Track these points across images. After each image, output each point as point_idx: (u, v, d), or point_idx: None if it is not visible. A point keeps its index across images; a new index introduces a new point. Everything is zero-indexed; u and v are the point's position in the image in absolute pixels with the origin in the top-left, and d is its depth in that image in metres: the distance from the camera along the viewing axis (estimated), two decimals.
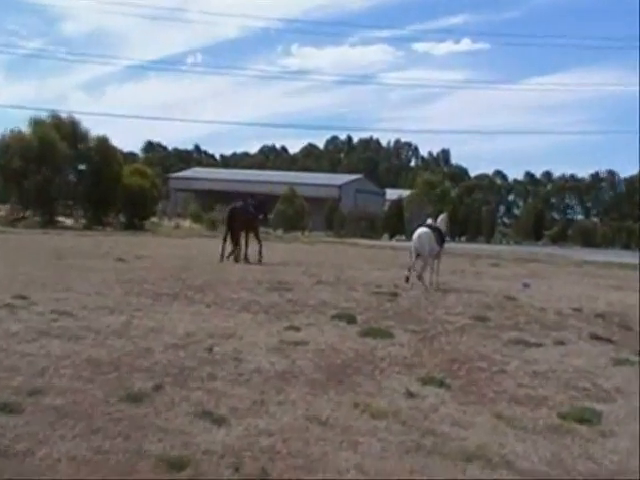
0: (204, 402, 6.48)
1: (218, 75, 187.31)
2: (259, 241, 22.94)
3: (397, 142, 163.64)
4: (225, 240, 22.31)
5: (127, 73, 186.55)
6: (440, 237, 17.68)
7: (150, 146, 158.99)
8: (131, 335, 9.19)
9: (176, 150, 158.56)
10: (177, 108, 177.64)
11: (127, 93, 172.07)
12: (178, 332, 9.55)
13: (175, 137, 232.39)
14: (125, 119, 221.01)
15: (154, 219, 59.14)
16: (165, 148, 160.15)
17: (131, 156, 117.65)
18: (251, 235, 23.14)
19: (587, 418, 6.65)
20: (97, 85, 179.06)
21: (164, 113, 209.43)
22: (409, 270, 17.15)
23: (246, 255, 22.48)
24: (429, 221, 18.27)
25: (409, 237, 20.08)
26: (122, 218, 48.69)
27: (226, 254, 22.02)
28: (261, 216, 24.08)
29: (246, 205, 23.20)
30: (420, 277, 16.93)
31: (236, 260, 21.81)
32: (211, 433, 5.72)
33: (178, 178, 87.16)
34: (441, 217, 18.64)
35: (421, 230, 17.36)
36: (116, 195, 46.06)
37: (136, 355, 8.11)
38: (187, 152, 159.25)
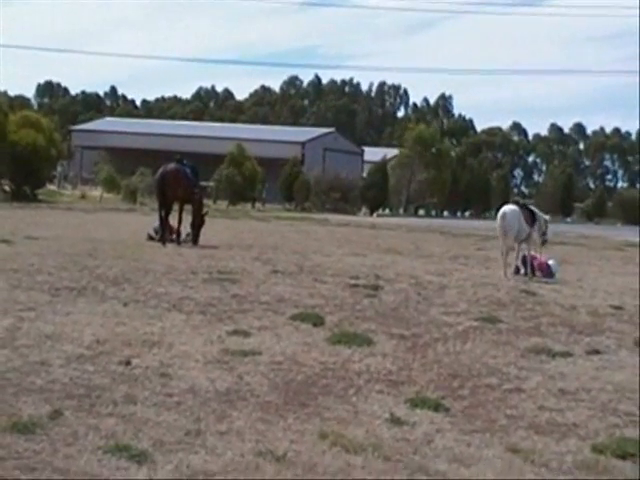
0: (119, 433, 6.43)
1: None
2: (201, 217, 22.91)
3: (381, 85, 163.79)
4: (162, 216, 22.29)
5: None
6: (532, 217, 19.25)
7: (48, 88, 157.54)
8: (19, 344, 9.08)
9: (84, 94, 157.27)
10: (84, 38, 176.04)
11: (15, 16, 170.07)
12: (84, 339, 9.47)
13: (82, 77, 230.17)
14: (11, 50, 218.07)
15: (52, 187, 58.75)
16: (68, 91, 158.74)
17: (21, 101, 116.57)
18: (186, 209, 23.12)
19: (630, 452, 6.71)
20: None
21: (67, 44, 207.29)
22: (505, 261, 18.72)
23: (179, 234, 22.44)
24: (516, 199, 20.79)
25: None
26: (7, 185, 48.20)
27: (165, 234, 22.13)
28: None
29: (182, 168, 23.10)
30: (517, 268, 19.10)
31: (162, 242, 21.73)
32: (128, 475, 5.68)
33: (85, 131, 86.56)
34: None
35: (507, 207, 19.24)
36: None
37: (26, 371, 8.01)
38: (98, 97, 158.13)
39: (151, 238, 22.41)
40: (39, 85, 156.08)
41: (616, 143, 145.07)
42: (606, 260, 26.02)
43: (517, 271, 19.07)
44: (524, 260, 19.09)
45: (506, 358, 9.96)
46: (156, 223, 22.77)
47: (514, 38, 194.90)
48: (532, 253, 19.15)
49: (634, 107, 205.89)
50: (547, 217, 20.59)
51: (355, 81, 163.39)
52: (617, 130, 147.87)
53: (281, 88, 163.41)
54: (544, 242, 20.04)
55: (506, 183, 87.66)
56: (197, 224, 22.77)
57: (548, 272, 18.97)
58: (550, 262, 19.14)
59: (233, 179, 57.96)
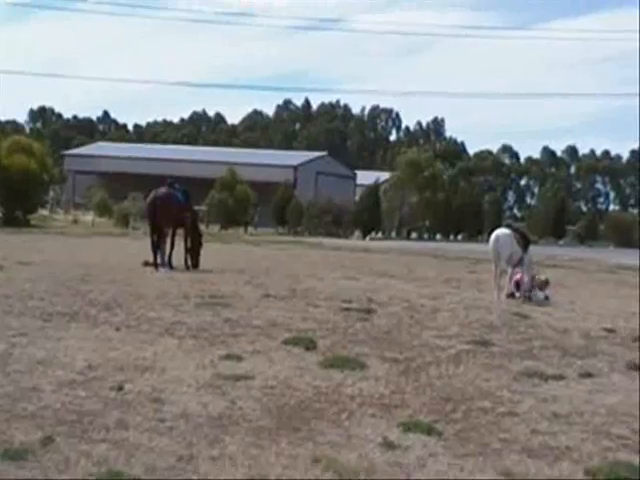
0: (111, 459, 6.42)
1: (132, 17, 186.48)
2: (199, 240, 22.98)
3: (373, 109, 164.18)
4: (154, 241, 22.32)
5: (8, 12, 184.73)
6: (525, 241, 19.47)
7: (40, 113, 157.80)
8: (11, 370, 9.08)
9: (76, 119, 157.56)
10: (76, 62, 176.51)
11: (7, 39, 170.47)
12: (76, 365, 9.47)
13: (74, 101, 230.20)
14: (3, 76, 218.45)
15: (44, 212, 58.71)
16: (60, 116, 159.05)
17: (13, 126, 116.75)
18: (179, 233, 23.16)
19: (623, 476, 6.71)
20: None
21: (59, 69, 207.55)
22: (497, 285, 18.78)
23: (170, 259, 22.45)
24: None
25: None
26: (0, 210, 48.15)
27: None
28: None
29: (173, 192, 23.15)
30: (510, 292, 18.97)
31: (155, 266, 21.72)
32: None
33: (77, 156, 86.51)
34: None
35: (499, 231, 19.66)
36: None
37: (18, 397, 8.01)
38: (89, 121, 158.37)
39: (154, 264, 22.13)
40: (32, 110, 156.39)
41: (606, 166, 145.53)
42: (599, 283, 26.04)
43: (511, 295, 19.01)
44: (517, 284, 19.10)
45: (499, 381, 9.97)
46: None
47: (505, 61, 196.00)
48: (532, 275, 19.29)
49: (626, 130, 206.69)
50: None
51: (346, 104, 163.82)
52: (606, 152, 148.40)
53: (274, 112, 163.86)
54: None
55: (498, 206, 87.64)
56: (194, 248, 22.82)
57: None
58: (539, 293, 19.12)
59: (225, 203, 57.96)
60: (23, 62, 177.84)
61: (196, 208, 26.65)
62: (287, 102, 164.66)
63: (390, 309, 15.87)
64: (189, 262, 22.70)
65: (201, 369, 9.64)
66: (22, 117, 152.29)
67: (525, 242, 19.52)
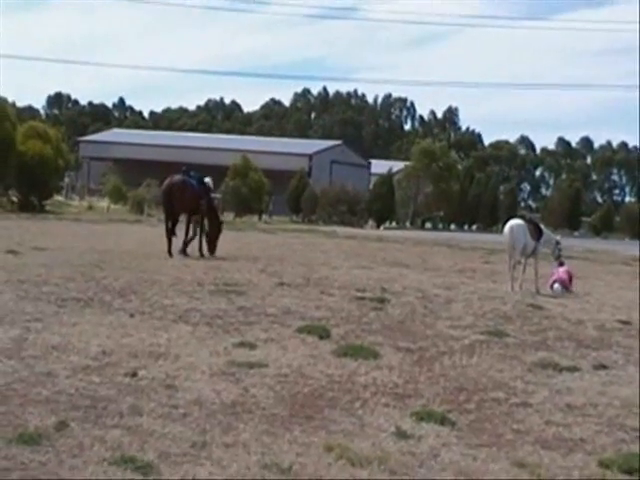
0: (124, 445, 6.43)
1: (149, 4, 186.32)
2: (201, 229, 22.97)
3: (387, 98, 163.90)
4: (169, 228, 22.36)
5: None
6: (538, 232, 19.51)
7: (57, 100, 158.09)
8: (26, 355, 9.10)
9: (91, 105, 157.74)
10: (93, 49, 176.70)
11: (24, 27, 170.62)
12: (91, 350, 9.49)
13: (91, 88, 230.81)
14: (22, 62, 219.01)
15: (59, 197, 58.81)
16: (77, 103, 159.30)
17: (30, 113, 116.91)
18: (195, 220, 23.19)
19: (637, 467, 6.69)
20: None
21: (76, 55, 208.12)
22: (512, 275, 18.79)
23: (185, 246, 22.50)
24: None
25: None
26: (15, 196, 48.28)
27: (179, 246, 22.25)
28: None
29: (187, 179, 23.19)
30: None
31: (169, 253, 21.75)
32: None
33: (92, 142, 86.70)
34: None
35: (513, 221, 19.61)
36: (6, 165, 45.64)
37: (32, 382, 8.03)
38: (106, 108, 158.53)
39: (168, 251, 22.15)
40: (49, 97, 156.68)
41: (623, 158, 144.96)
42: (614, 275, 25.97)
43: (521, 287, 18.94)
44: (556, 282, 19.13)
45: (513, 372, 9.95)
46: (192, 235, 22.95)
47: (522, 52, 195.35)
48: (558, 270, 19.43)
49: None
50: (557, 237, 20.64)
51: (362, 94, 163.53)
52: (624, 144, 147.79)
53: (290, 101, 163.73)
54: (561, 264, 19.96)
55: (513, 197, 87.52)
56: (212, 234, 22.85)
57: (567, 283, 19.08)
58: (555, 286, 19.06)
59: (239, 191, 57.92)
60: (40, 48, 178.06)
61: (213, 196, 26.61)
62: (304, 91, 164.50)
63: (404, 299, 15.86)
64: (204, 249, 22.71)
65: (215, 356, 9.64)
66: (39, 103, 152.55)
67: (538, 233, 19.51)
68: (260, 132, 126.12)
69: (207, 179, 23.79)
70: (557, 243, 20.13)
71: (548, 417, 8.08)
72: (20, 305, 12.21)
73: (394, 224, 67.62)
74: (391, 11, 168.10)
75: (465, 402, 8.43)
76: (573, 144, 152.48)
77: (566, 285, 19.01)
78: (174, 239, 22.29)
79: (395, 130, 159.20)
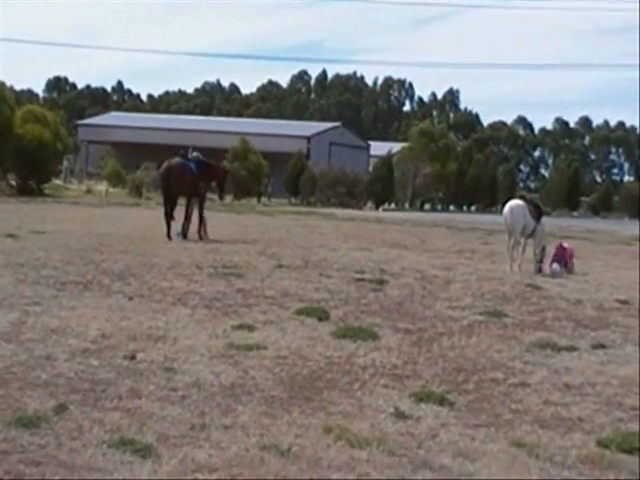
0: (123, 427, 6.44)
1: None
2: (200, 212, 22.99)
3: (387, 79, 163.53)
4: (167, 211, 22.35)
5: None
6: (538, 212, 19.55)
7: (56, 83, 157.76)
8: (25, 338, 9.11)
9: (89, 89, 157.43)
10: (92, 33, 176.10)
11: (24, 10, 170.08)
12: (90, 334, 9.49)
13: (89, 71, 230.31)
14: (21, 46, 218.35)
15: (57, 181, 58.77)
16: (75, 86, 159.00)
17: (28, 96, 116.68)
18: (195, 203, 23.21)
19: (636, 446, 6.70)
20: None
21: (74, 39, 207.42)
22: (511, 256, 18.82)
23: (184, 228, 22.50)
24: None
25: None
26: (13, 180, 48.24)
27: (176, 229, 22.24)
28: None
29: (186, 162, 23.17)
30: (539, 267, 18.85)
31: (168, 236, 21.75)
32: (133, 469, 5.69)
33: (90, 126, 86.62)
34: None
35: (513, 202, 19.61)
36: (5, 149, 45.58)
37: (31, 365, 8.04)
38: (104, 91, 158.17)
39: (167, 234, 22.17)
40: (48, 80, 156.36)
41: (621, 136, 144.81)
42: (612, 254, 25.98)
43: (539, 270, 18.88)
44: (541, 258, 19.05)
45: (511, 352, 9.96)
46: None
47: (520, 32, 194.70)
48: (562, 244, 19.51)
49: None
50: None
51: (360, 75, 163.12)
52: (621, 124, 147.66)
53: (290, 82, 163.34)
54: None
55: (512, 177, 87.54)
56: (200, 220, 22.89)
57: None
58: (554, 266, 19.03)
59: (238, 173, 57.89)
60: (39, 31, 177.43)
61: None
62: (302, 73, 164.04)
63: (403, 280, 15.86)
64: (202, 232, 22.70)
65: (214, 339, 9.65)
66: (38, 87, 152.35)
67: (538, 213, 19.50)
68: (259, 114, 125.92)
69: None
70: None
71: (546, 397, 8.08)
72: (19, 289, 12.22)
73: (393, 205, 67.59)
74: None
75: (464, 382, 8.44)
76: (572, 124, 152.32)
77: (566, 261, 18.98)
78: (172, 222, 22.28)
79: (394, 112, 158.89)
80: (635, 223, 55.75)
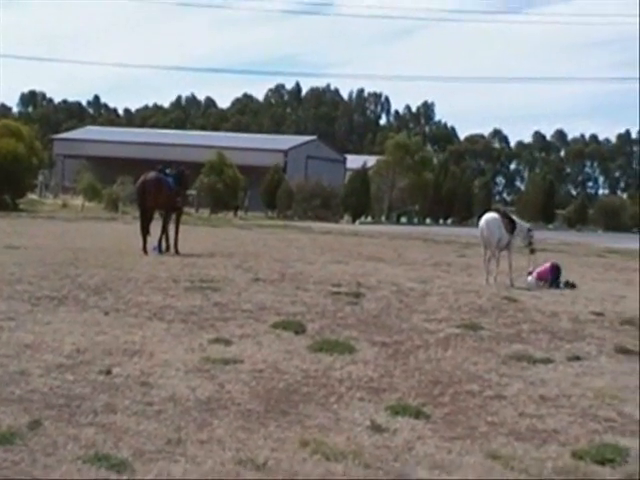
0: (99, 443, 6.42)
1: (122, 0, 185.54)
2: (176, 226, 22.97)
3: (361, 92, 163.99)
4: (143, 225, 22.30)
5: None
6: (512, 225, 19.59)
7: (31, 98, 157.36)
8: None
9: (66, 103, 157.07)
10: (67, 47, 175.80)
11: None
12: (64, 349, 9.46)
13: (65, 85, 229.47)
14: None
15: (32, 196, 58.46)
16: (51, 100, 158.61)
17: (2, 110, 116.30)
18: (172, 217, 23.19)
19: (610, 457, 6.74)
20: None
21: (50, 53, 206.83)
22: (487, 269, 18.95)
23: (160, 243, 22.46)
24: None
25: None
26: None
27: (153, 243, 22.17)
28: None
29: (162, 176, 23.12)
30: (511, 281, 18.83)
31: (144, 250, 21.70)
32: None
33: (66, 140, 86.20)
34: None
35: (488, 215, 19.71)
36: None
37: (5, 381, 8.01)
38: (80, 105, 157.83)
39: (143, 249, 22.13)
40: (22, 94, 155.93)
41: (596, 150, 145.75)
42: (587, 267, 26.09)
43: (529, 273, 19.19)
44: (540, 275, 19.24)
45: (487, 365, 9.99)
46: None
47: (495, 46, 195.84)
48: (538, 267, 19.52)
49: (616, 113, 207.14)
50: (528, 225, 20.71)
51: (335, 88, 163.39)
52: (594, 137, 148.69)
53: (266, 96, 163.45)
54: (532, 251, 20.08)
55: (488, 190, 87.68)
56: (176, 233, 22.84)
57: (552, 277, 19.10)
58: (529, 279, 19.12)
59: (214, 187, 57.77)
60: (14, 46, 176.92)
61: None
62: (278, 87, 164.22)
63: (379, 293, 15.88)
64: (179, 246, 22.65)
65: (190, 353, 9.64)
66: (13, 101, 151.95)
67: (512, 226, 19.59)
68: (237, 128, 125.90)
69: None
70: (529, 230, 20.15)
71: (522, 409, 8.12)
72: None
73: (369, 219, 67.63)
74: (364, 6, 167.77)
75: (440, 395, 8.46)
76: (548, 137, 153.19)
77: (545, 279, 19.05)
78: (148, 237, 22.23)
79: (370, 125, 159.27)
80: (609, 235, 56.07)
